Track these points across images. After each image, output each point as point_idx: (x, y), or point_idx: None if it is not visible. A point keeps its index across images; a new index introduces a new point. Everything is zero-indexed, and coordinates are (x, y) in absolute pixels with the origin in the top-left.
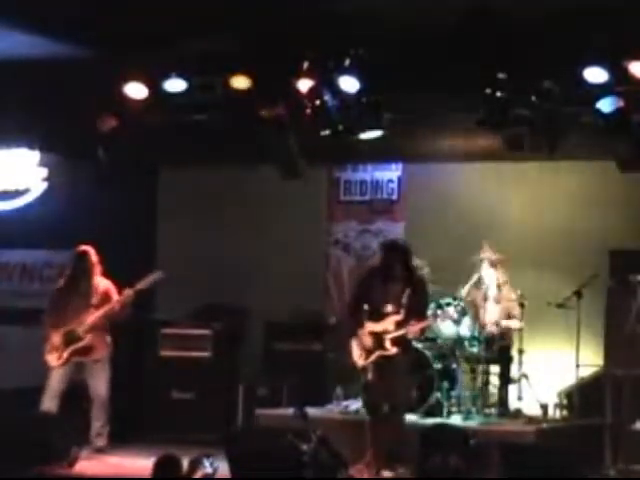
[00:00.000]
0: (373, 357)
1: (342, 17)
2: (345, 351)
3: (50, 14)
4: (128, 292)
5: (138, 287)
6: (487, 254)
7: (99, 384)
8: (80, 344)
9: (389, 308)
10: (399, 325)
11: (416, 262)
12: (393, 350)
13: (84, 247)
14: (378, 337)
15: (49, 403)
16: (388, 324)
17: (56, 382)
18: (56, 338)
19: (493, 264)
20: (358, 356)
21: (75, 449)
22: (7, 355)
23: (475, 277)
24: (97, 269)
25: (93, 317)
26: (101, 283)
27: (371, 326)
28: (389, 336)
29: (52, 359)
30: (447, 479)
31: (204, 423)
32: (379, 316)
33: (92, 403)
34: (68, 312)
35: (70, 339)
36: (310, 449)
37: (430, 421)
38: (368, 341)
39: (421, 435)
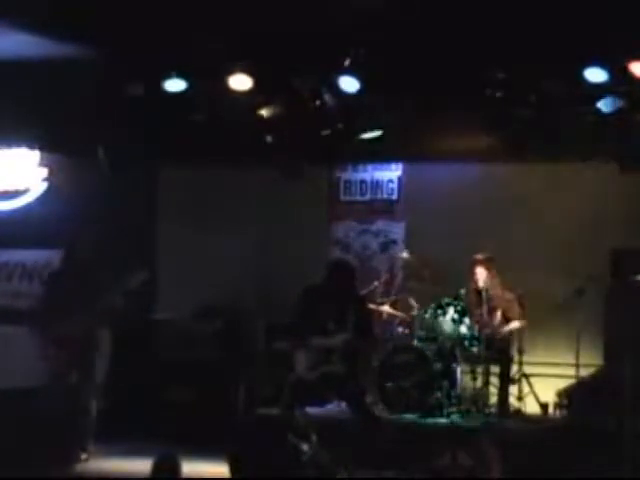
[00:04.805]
0: (318, 372)
1: (342, 17)
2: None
3: (50, 14)
4: (118, 297)
5: (127, 288)
6: (477, 256)
7: (97, 384)
8: (79, 346)
9: (332, 326)
10: (348, 343)
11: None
12: (340, 367)
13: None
14: (326, 353)
15: (50, 404)
16: (337, 341)
17: (56, 385)
18: (53, 341)
19: (484, 267)
20: (304, 368)
21: (76, 449)
22: (7, 355)
23: (470, 284)
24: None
25: (91, 319)
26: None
27: (319, 341)
28: (338, 353)
29: (52, 362)
30: (456, 479)
31: (204, 423)
32: (325, 333)
33: (91, 403)
34: (63, 314)
35: (69, 341)
36: (310, 449)
37: (430, 421)
38: (316, 356)
39: (430, 434)
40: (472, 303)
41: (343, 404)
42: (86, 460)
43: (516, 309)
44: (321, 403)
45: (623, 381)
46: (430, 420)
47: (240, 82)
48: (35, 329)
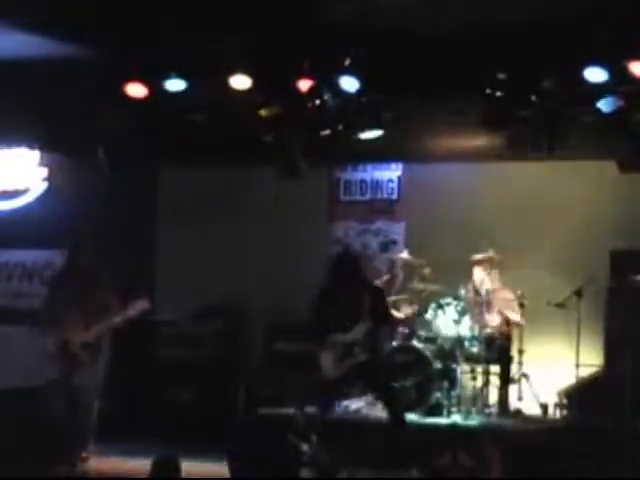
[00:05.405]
0: (345, 366)
1: (342, 17)
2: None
3: (50, 14)
4: (117, 320)
5: (128, 315)
6: (477, 256)
7: (92, 388)
8: (75, 356)
9: (349, 320)
10: (369, 333)
11: (416, 262)
12: (363, 357)
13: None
14: (348, 347)
15: (50, 404)
16: (357, 333)
17: (58, 387)
18: (52, 346)
19: (484, 267)
20: (331, 367)
21: (76, 449)
22: (7, 355)
23: (470, 284)
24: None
25: (90, 334)
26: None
27: (339, 338)
28: (360, 344)
29: (54, 362)
30: (456, 479)
31: (204, 423)
32: (343, 327)
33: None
34: (64, 318)
35: (65, 350)
36: (310, 449)
37: (430, 421)
38: (339, 352)
39: (431, 434)
40: (472, 303)
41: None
42: (86, 460)
43: (516, 309)
44: (350, 398)
45: (623, 381)
46: (430, 420)
47: (240, 82)
48: (37, 330)
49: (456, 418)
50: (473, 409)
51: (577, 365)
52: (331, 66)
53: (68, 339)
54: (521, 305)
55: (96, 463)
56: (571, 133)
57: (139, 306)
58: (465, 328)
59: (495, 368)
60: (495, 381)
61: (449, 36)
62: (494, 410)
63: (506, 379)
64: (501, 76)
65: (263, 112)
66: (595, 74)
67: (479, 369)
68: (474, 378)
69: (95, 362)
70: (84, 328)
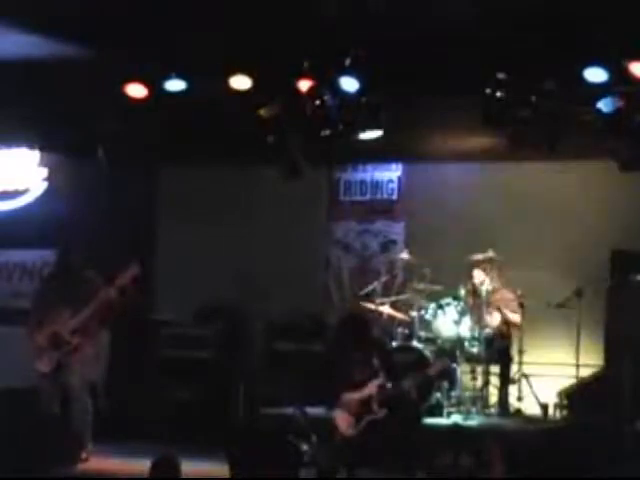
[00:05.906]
0: (363, 423)
1: (342, 17)
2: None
3: (50, 14)
4: (109, 291)
5: (118, 284)
6: (477, 257)
7: (95, 384)
8: (67, 347)
9: (359, 376)
10: (382, 388)
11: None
12: (382, 412)
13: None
14: (364, 403)
15: (49, 405)
16: (371, 389)
17: (50, 386)
18: (42, 340)
19: (484, 267)
20: (347, 426)
21: (74, 449)
22: (7, 355)
23: (469, 284)
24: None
25: (79, 318)
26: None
27: (353, 395)
28: (375, 400)
29: (41, 364)
30: (457, 479)
31: (204, 423)
32: (355, 385)
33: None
34: (53, 312)
35: (56, 342)
36: (310, 449)
37: (430, 421)
38: (354, 409)
39: (432, 435)
40: (472, 303)
41: None
42: (86, 460)
43: (516, 309)
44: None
45: (623, 381)
46: (430, 420)
47: (240, 82)
48: (26, 329)
49: (456, 418)
50: (473, 409)
51: (577, 365)
52: (331, 66)
53: (57, 330)
54: (521, 305)
55: (96, 463)
56: (571, 133)
57: (129, 273)
58: (465, 328)
59: (495, 368)
60: (495, 381)
61: (449, 36)
62: (494, 410)
63: (506, 379)
64: (501, 76)
65: (263, 112)
66: (595, 74)
67: (479, 369)
68: (474, 378)
69: (87, 349)
70: (72, 316)
